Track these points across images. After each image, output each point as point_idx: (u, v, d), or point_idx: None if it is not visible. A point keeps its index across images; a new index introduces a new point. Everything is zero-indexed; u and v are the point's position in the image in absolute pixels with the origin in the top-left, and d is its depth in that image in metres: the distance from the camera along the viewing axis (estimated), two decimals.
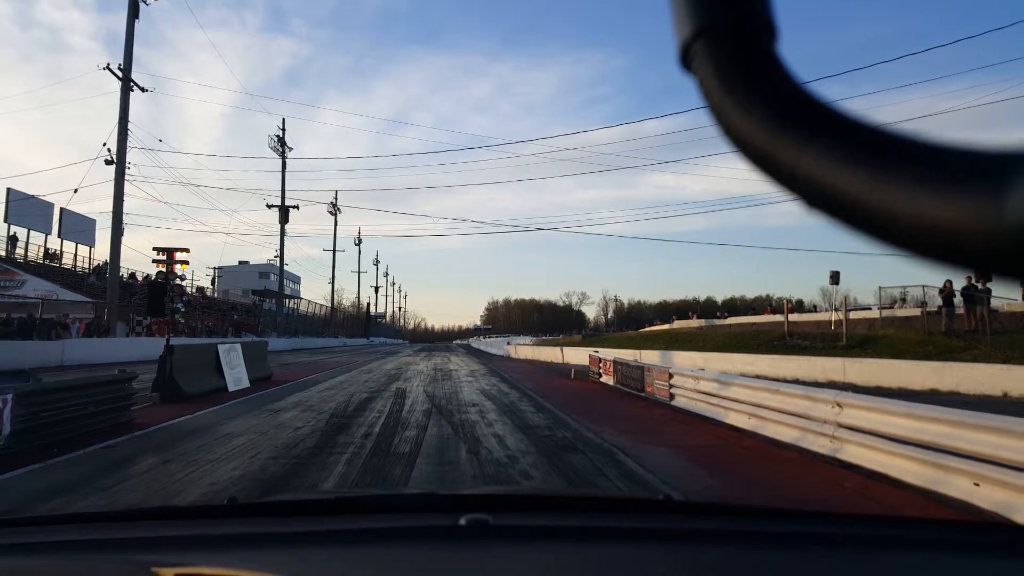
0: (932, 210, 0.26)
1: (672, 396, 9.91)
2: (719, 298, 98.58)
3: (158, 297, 10.73)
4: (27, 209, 29.83)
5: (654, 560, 1.06)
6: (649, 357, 18.61)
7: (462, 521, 1.11)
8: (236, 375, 12.00)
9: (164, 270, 10.05)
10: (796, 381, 15.19)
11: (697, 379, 9.15)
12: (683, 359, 19.94)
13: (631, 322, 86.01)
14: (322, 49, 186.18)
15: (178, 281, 10.86)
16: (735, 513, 1.35)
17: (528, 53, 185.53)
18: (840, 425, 5.65)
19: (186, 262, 10.10)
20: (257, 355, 13.85)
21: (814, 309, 32.31)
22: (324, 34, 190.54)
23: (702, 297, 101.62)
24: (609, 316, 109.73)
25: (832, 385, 14.21)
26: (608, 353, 16.30)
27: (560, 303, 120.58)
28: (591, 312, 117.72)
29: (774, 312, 31.31)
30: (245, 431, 7.37)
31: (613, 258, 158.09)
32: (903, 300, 24.69)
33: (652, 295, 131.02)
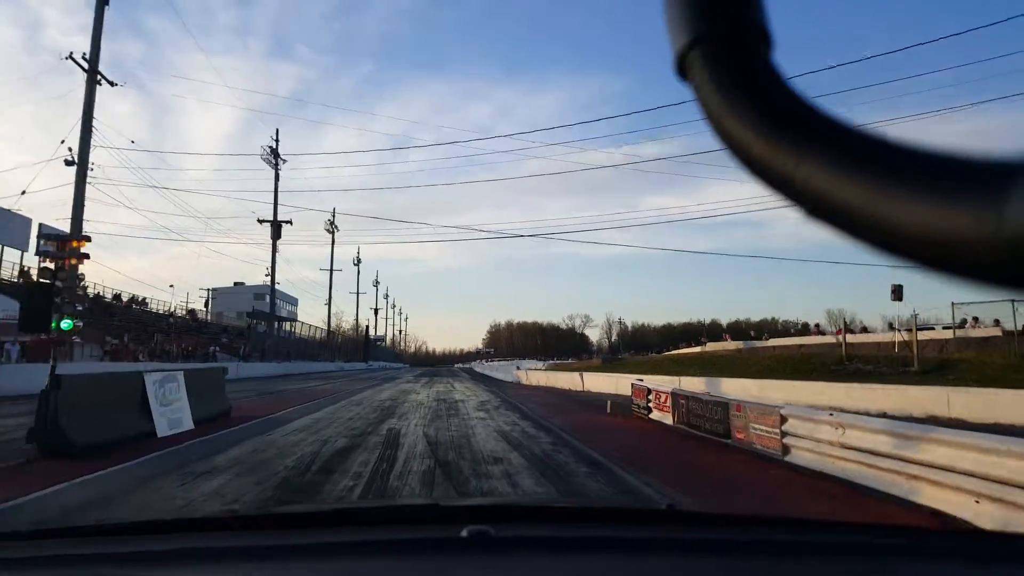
0: (931, 218, 0.26)
1: (786, 448, 6.80)
2: (724, 321, 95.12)
3: (41, 304, 7.47)
4: None
5: (657, 570, 1.06)
6: (690, 385, 15.62)
7: (464, 533, 1.10)
8: (173, 414, 8.92)
9: (52, 266, 6.98)
10: (883, 415, 12.24)
11: (840, 427, 6.04)
12: (732, 387, 16.88)
13: (636, 345, 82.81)
14: (325, 75, 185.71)
15: (79, 282, 7.79)
16: (739, 523, 1.34)
17: (529, 78, 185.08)
18: None
19: (87, 255, 7.09)
20: (210, 386, 10.72)
21: (865, 330, 29.13)
22: (328, 60, 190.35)
23: (707, 320, 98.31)
24: (613, 339, 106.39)
25: (935, 421, 11.19)
26: (654, 381, 13.21)
27: (563, 326, 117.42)
28: (594, 335, 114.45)
29: (820, 333, 28.10)
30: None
31: (615, 280, 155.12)
32: (975, 320, 21.63)
33: (654, 318, 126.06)
